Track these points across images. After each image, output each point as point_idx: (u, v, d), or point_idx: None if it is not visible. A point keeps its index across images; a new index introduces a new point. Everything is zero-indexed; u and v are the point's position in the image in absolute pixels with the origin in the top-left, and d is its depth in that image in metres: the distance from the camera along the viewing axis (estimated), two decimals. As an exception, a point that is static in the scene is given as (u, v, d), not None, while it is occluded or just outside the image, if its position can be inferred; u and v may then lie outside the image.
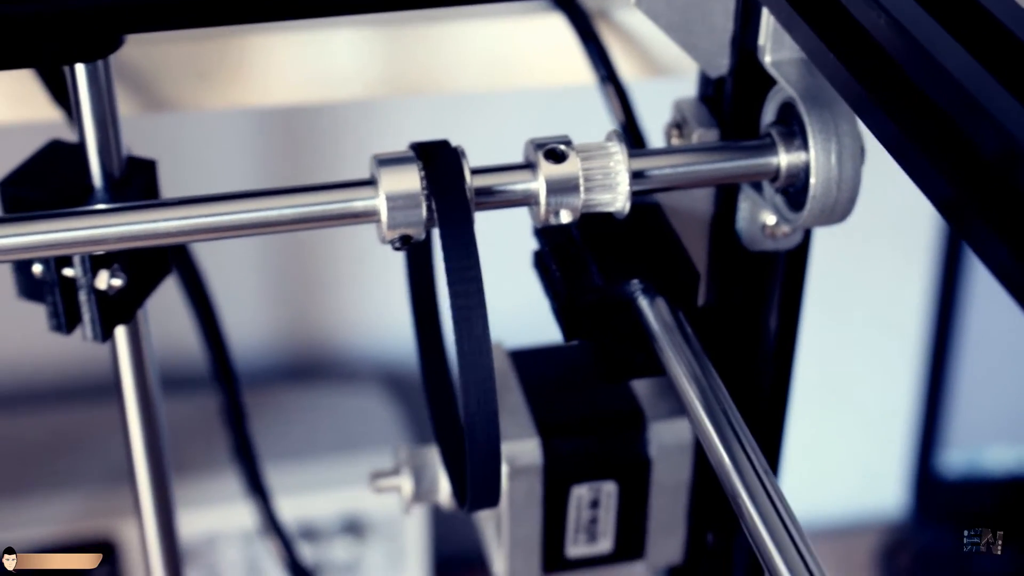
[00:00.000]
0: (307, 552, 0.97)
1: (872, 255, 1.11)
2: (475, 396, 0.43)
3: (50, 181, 0.46)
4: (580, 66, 0.59)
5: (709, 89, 0.50)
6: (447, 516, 1.11)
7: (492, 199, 0.44)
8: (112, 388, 1.09)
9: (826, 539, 1.20)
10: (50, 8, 0.42)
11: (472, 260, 0.42)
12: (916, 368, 1.17)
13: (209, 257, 0.82)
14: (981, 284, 1.11)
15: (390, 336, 1.10)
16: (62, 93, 0.55)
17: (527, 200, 0.44)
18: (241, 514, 0.94)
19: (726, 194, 0.50)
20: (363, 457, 0.99)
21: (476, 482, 0.45)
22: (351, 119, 0.97)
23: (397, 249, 0.44)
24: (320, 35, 0.58)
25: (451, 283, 0.42)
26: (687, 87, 0.57)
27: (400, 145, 0.45)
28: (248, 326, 1.07)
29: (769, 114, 0.47)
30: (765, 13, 0.45)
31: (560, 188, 0.44)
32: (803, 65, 0.45)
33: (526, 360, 0.55)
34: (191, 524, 0.94)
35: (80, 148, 0.46)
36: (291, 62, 0.58)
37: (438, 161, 0.44)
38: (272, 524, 0.65)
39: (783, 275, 0.51)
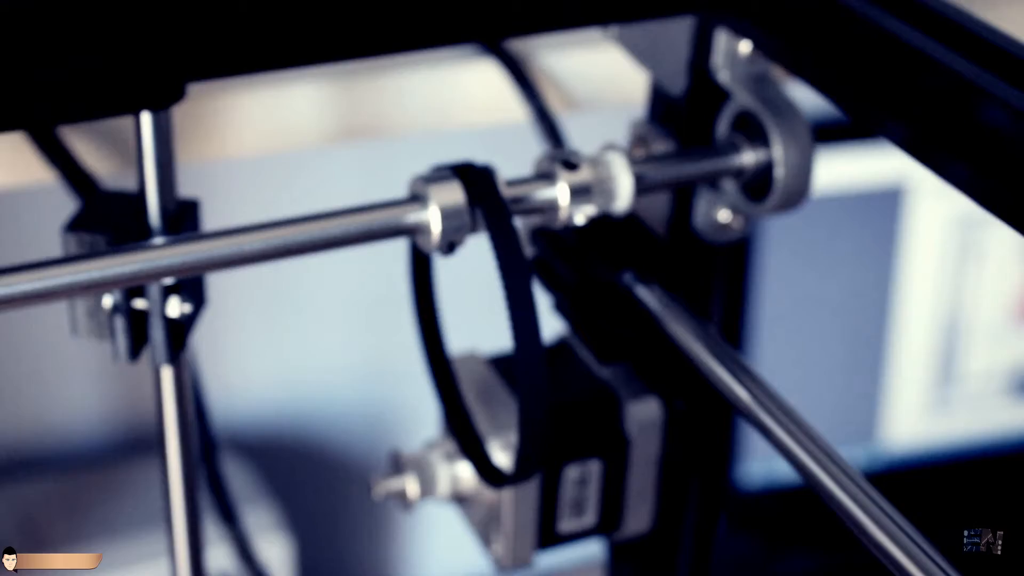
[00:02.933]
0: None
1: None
2: (528, 372, 0.49)
3: (110, 222, 0.51)
4: (510, 105, 0.66)
5: (659, 108, 0.58)
6: (315, 566, 1.16)
7: (520, 206, 0.51)
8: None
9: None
10: (124, 58, 0.47)
11: (518, 256, 0.49)
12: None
13: (46, 333, 0.86)
14: (771, 304, 1.22)
15: (234, 402, 1.14)
16: (57, 155, 0.59)
17: (549, 206, 0.52)
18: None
19: (680, 196, 0.58)
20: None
21: (526, 451, 0.51)
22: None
23: (444, 255, 0.51)
24: (282, 91, 0.63)
25: (504, 276, 0.49)
26: (601, 118, 0.66)
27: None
28: (89, 403, 1.09)
29: (723, 125, 0.56)
30: (718, 38, 0.54)
31: (578, 192, 0.51)
32: (753, 79, 0.54)
33: (504, 364, 0.62)
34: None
35: (139, 191, 0.51)
36: (259, 117, 0.63)
37: (474, 177, 0.50)
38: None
39: (727, 263, 0.60)
